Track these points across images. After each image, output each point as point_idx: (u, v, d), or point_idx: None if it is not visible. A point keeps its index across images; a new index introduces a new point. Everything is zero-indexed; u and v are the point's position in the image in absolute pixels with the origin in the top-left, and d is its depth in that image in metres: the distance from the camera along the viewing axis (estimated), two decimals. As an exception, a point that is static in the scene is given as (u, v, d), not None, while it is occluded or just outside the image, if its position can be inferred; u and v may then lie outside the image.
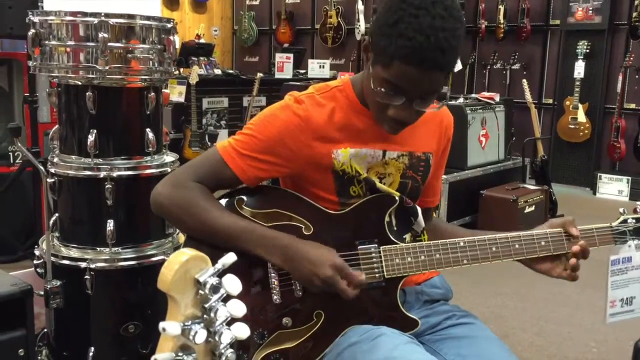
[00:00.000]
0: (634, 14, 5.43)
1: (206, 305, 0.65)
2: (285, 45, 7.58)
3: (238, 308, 0.67)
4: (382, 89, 1.20)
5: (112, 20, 1.76)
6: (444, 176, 3.88)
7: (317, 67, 6.51)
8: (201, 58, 6.27)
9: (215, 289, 0.64)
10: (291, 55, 6.45)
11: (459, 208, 4.05)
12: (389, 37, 1.15)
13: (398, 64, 1.16)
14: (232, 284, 0.66)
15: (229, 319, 0.67)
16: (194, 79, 5.33)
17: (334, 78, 6.15)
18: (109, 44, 1.76)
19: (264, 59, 8.06)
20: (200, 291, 0.64)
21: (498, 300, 3.17)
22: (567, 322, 2.93)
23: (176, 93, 5.81)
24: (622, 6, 5.65)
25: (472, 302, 3.09)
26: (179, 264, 0.62)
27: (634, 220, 1.31)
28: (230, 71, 6.64)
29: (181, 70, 6.07)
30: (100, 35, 1.75)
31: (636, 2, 5.42)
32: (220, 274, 0.66)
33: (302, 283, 1.25)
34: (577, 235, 1.29)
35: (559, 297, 3.19)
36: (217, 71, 6.29)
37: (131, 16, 1.80)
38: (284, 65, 6.40)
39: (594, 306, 3.08)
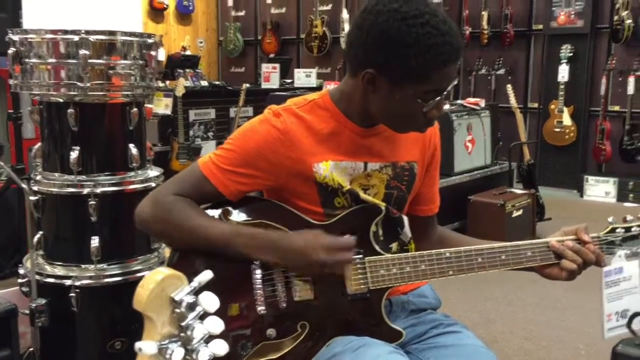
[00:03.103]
0: (615, 18, 5.49)
1: (183, 324, 0.65)
2: (271, 55, 7.59)
3: (215, 325, 0.67)
4: (429, 101, 1.22)
5: (93, 37, 1.77)
6: (431, 182, 3.89)
7: (303, 77, 6.52)
8: (187, 70, 6.26)
9: (191, 307, 0.64)
10: (277, 65, 6.45)
11: (447, 214, 4.03)
12: (417, 56, 1.17)
13: (439, 70, 1.19)
14: (209, 301, 0.66)
15: (207, 336, 0.67)
16: (180, 91, 5.32)
17: (320, 87, 6.17)
18: (90, 60, 1.76)
19: (250, 70, 8.07)
20: (177, 309, 0.64)
21: (487, 305, 3.18)
22: (556, 326, 2.94)
23: (162, 105, 5.78)
24: (604, 10, 5.71)
25: (461, 307, 3.09)
26: (154, 283, 0.62)
27: (622, 230, 1.30)
28: (217, 82, 6.64)
29: (167, 82, 6.06)
30: (81, 52, 1.75)
31: (617, 6, 5.48)
32: (197, 292, 0.67)
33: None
34: (588, 241, 1.29)
35: (547, 301, 3.20)
36: (204, 83, 6.28)
37: (112, 32, 1.81)
38: (270, 76, 6.41)
39: (582, 309, 3.10)
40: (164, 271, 0.64)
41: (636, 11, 5.41)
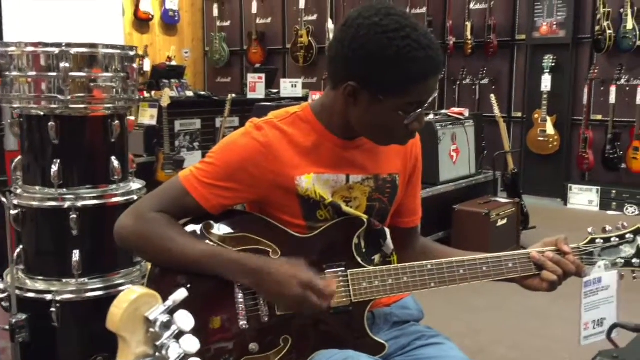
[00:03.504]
0: (597, 28, 5.57)
1: (157, 343, 0.64)
2: (257, 65, 7.60)
3: (191, 344, 0.66)
4: (409, 114, 1.22)
5: (74, 50, 1.76)
6: (417, 192, 3.90)
7: (289, 87, 6.53)
8: (172, 80, 6.26)
9: (166, 326, 0.64)
10: (263, 76, 6.46)
11: (432, 223, 4.07)
12: (398, 69, 1.18)
13: (419, 84, 1.20)
14: (184, 320, 0.66)
15: (182, 355, 0.66)
16: (165, 102, 5.31)
17: (306, 97, 6.18)
18: (71, 73, 1.76)
19: (236, 80, 8.07)
20: (151, 329, 0.64)
21: (473, 314, 3.18)
22: (541, 334, 2.95)
23: (148, 116, 5.77)
24: (585, 20, 5.78)
25: (446, 317, 3.09)
26: (128, 302, 0.62)
27: (602, 241, 1.31)
28: (202, 93, 6.64)
29: (153, 93, 6.05)
30: (62, 65, 1.74)
31: (598, 16, 5.56)
32: (172, 311, 0.66)
33: (274, 304, 1.25)
34: (568, 252, 1.29)
35: (532, 310, 3.21)
36: (189, 93, 6.28)
37: (93, 45, 1.81)
38: (256, 86, 6.41)
39: (566, 317, 3.10)
40: (137, 290, 0.63)
41: (617, 21, 5.49)
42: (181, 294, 0.67)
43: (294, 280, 1.20)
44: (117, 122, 1.89)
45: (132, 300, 0.63)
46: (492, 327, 3.04)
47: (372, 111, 1.24)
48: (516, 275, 1.30)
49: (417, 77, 1.19)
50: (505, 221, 4.11)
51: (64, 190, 1.83)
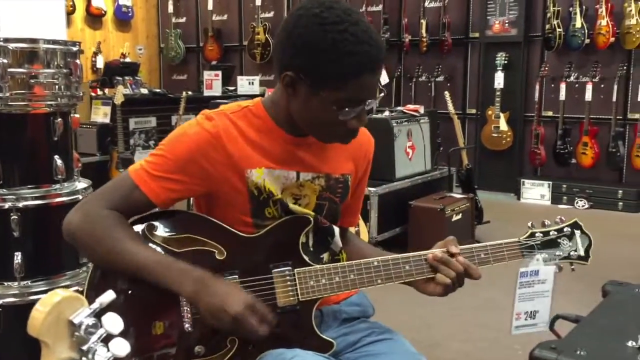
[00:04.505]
0: (547, 26, 5.70)
1: (84, 348, 0.62)
2: (214, 62, 7.52)
3: (120, 347, 0.64)
4: (344, 109, 1.21)
5: (12, 45, 1.70)
6: (373, 189, 3.93)
7: (246, 84, 6.48)
8: (126, 77, 6.14)
9: (92, 329, 0.61)
10: (219, 73, 6.40)
11: (389, 220, 4.10)
12: (332, 61, 1.17)
13: (354, 79, 1.18)
14: (113, 322, 0.64)
15: (111, 359, 0.64)
16: (119, 99, 5.21)
17: (263, 95, 6.15)
18: (10, 69, 1.70)
19: (193, 77, 7.97)
20: (76, 333, 0.61)
21: (427, 309, 3.21)
22: (495, 327, 3.00)
23: (101, 114, 5.66)
24: (536, 19, 5.91)
25: (399, 312, 3.11)
26: (50, 305, 0.59)
27: (541, 235, 1.34)
28: (157, 90, 6.53)
29: (106, 90, 5.93)
30: (0, 60, 1.68)
31: (548, 15, 5.69)
32: (100, 313, 0.64)
33: (211, 319, 1.19)
34: (456, 252, 1.29)
35: (487, 303, 3.26)
36: (144, 90, 6.17)
37: (33, 40, 1.75)
38: (212, 83, 6.34)
39: (519, 309, 3.17)
40: (61, 293, 0.61)
41: (566, 20, 5.63)
42: (108, 296, 0.65)
43: (237, 298, 1.17)
44: (60, 119, 1.83)
45: (55, 304, 0.60)
46: (445, 320, 3.08)
47: (308, 104, 1.23)
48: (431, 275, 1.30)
49: (352, 71, 1.18)
50: (460, 216, 4.17)
51: (4, 190, 1.77)
